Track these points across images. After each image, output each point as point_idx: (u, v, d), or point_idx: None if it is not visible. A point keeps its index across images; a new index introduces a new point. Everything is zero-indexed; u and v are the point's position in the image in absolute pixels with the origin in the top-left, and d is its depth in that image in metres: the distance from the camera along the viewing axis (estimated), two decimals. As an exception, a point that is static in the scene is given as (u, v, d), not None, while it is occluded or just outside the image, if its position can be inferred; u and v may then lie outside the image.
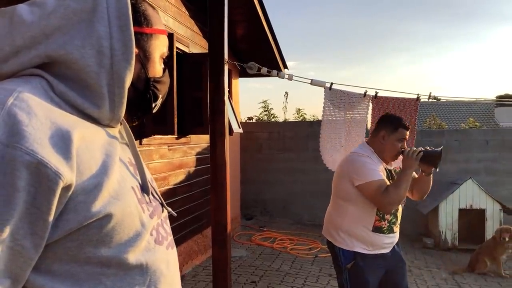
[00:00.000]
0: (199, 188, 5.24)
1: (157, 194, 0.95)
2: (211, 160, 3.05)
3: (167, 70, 0.99)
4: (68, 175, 0.68)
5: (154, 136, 4.02)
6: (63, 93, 0.76)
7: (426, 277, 5.16)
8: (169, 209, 0.99)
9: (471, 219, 6.43)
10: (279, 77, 3.18)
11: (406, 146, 2.57)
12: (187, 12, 4.93)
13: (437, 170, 2.50)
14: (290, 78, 3.23)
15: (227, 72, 3.05)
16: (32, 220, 0.66)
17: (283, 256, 5.75)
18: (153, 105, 0.96)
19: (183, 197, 4.81)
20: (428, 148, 2.51)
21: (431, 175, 2.60)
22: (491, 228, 6.23)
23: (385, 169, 2.58)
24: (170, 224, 0.99)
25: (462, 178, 6.62)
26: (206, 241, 5.41)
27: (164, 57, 0.96)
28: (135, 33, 0.84)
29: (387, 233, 2.49)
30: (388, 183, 2.45)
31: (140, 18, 0.89)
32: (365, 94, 3.44)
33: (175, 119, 3.66)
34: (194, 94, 4.51)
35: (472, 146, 7.33)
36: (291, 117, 10.50)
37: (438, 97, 3.55)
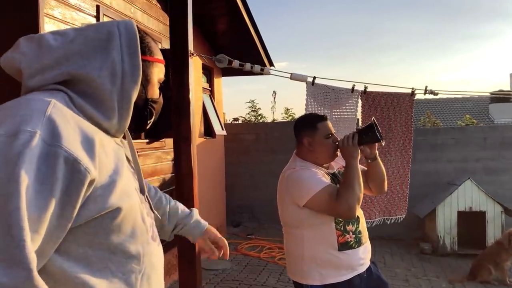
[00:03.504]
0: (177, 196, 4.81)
1: (147, 197, 1.09)
2: (175, 169, 2.64)
3: (161, 94, 1.13)
4: (94, 172, 0.83)
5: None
6: (81, 106, 0.92)
7: (425, 287, 4.77)
8: (156, 212, 1.12)
9: (471, 222, 6.04)
10: (254, 71, 2.78)
11: (338, 139, 2.19)
12: (158, 5, 4.51)
13: (383, 143, 2.16)
14: (267, 72, 2.83)
15: (192, 66, 2.63)
16: (64, 205, 0.80)
17: (270, 267, 5.33)
18: (148, 121, 1.11)
19: (158, 207, 4.38)
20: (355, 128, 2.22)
21: (377, 159, 2.22)
22: (492, 232, 5.85)
23: (328, 174, 2.19)
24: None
25: (460, 179, 6.24)
26: (186, 254, 4.98)
27: (161, 82, 1.12)
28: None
29: (357, 246, 2.12)
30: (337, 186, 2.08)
31: (145, 49, 1.05)
32: (353, 89, 3.03)
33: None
34: (167, 94, 4.08)
35: (470, 144, 6.96)
36: (279, 117, 10.09)
37: (435, 91, 3.16)
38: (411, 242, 6.50)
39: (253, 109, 8.99)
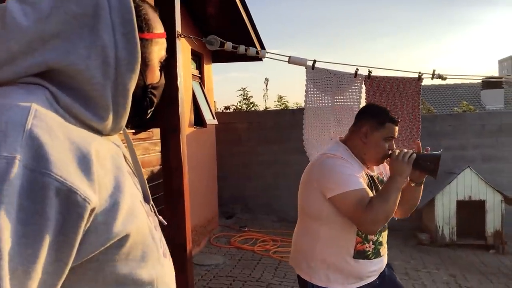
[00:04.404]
0: (167, 189, 4.56)
1: (152, 206, 0.93)
2: (163, 163, 2.39)
3: (163, 73, 0.94)
4: (94, 199, 0.66)
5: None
6: (68, 106, 0.72)
7: (426, 280, 4.61)
8: (160, 217, 0.96)
9: (470, 212, 5.88)
10: (249, 54, 2.52)
11: (394, 147, 1.96)
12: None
13: (436, 179, 1.91)
14: (263, 55, 2.58)
15: (180, 49, 2.37)
16: (59, 247, 0.63)
17: (265, 261, 5.13)
18: (148, 111, 0.92)
19: (146, 201, 4.14)
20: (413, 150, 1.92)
21: (422, 185, 1.99)
22: (491, 221, 5.72)
23: (366, 175, 1.96)
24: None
25: (459, 167, 6.07)
26: (177, 249, 4.75)
27: (162, 60, 0.92)
28: None
29: (373, 258, 1.92)
30: (371, 194, 1.85)
31: (141, 24, 0.83)
32: (356, 74, 2.79)
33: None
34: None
35: (467, 131, 6.79)
36: (272, 105, 9.83)
37: (444, 76, 2.94)
38: (408, 233, 6.33)
39: (245, 97, 8.72)
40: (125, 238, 0.73)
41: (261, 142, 7.27)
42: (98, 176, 0.68)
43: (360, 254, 1.88)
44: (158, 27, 0.88)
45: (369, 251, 1.90)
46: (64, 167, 0.63)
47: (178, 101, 2.33)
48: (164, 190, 2.40)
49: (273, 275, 4.65)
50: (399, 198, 1.81)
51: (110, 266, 0.73)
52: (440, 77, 2.93)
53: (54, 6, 0.73)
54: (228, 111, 8.35)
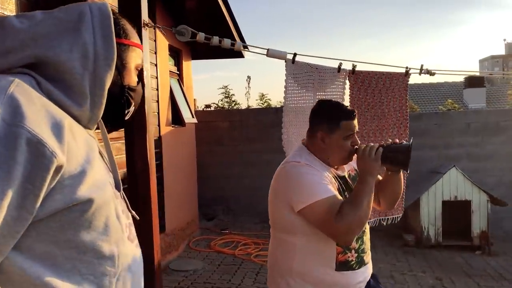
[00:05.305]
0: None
1: (123, 196, 1.00)
2: (127, 165, 2.16)
3: (140, 82, 1.05)
4: (61, 157, 0.74)
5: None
6: (50, 92, 0.83)
7: (412, 284, 4.45)
8: (133, 212, 1.02)
9: (456, 212, 5.75)
10: (223, 46, 2.31)
11: (358, 141, 1.78)
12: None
13: (407, 172, 1.73)
14: (238, 48, 2.37)
15: (147, 39, 2.14)
16: (25, 194, 0.71)
17: (246, 265, 4.92)
18: (126, 111, 1.01)
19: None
20: (390, 141, 1.73)
21: (400, 172, 1.83)
22: (477, 222, 5.60)
23: (336, 177, 1.78)
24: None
25: (444, 166, 5.94)
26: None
27: (139, 68, 1.04)
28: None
29: (358, 268, 1.73)
30: (343, 198, 1.67)
31: (120, 31, 0.97)
32: (339, 69, 2.60)
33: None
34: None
35: (453, 130, 6.68)
36: (254, 103, 9.62)
37: (432, 71, 2.77)
38: (393, 234, 6.19)
39: (226, 95, 8.49)
40: (88, 204, 0.80)
41: (243, 141, 7.06)
42: (69, 144, 0.77)
43: (343, 266, 1.69)
44: (135, 38, 1.01)
45: (352, 260, 1.71)
46: (37, 124, 0.72)
47: (144, 98, 2.10)
48: (129, 195, 2.17)
49: (254, 281, 4.45)
50: (372, 198, 1.64)
51: (72, 229, 0.79)
52: (429, 72, 2.77)
53: (45, 15, 0.89)
54: (209, 109, 8.12)
